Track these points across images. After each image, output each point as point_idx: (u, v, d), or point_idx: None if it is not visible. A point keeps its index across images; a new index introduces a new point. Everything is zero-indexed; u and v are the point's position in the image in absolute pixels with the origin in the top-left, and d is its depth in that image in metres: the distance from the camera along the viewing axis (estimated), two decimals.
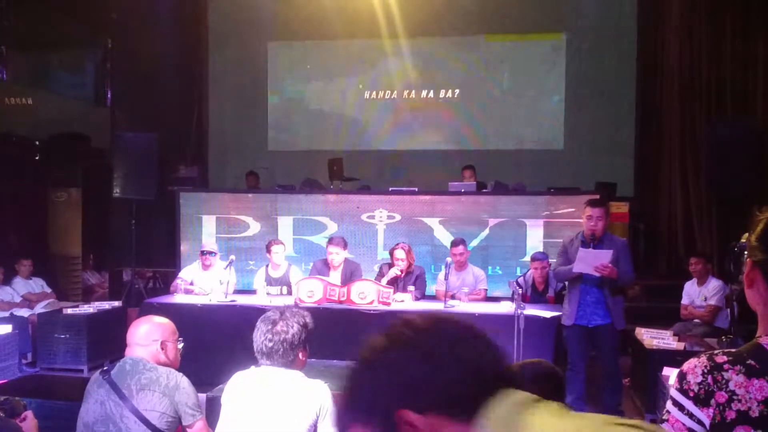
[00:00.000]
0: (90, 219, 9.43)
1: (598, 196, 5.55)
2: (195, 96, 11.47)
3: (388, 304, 5.98)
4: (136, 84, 10.42)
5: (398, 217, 7.79)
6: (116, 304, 7.30)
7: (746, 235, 1.39)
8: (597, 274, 4.94)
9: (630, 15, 10.25)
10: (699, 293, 6.65)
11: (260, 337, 2.60)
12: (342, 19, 10.90)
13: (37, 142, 9.14)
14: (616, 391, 5.15)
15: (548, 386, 2.32)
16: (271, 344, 2.57)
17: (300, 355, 2.64)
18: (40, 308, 7.29)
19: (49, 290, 7.82)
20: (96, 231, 9.60)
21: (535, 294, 6.40)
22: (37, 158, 9.09)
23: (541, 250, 6.97)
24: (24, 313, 7.12)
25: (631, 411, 5.62)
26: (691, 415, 1.33)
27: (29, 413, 2.82)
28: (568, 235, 5.76)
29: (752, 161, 7.68)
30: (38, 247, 8.85)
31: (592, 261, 4.94)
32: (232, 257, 6.63)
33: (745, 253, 1.38)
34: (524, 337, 4.96)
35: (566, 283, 5.36)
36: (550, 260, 6.45)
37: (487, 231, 7.60)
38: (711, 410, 1.30)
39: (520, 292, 5.40)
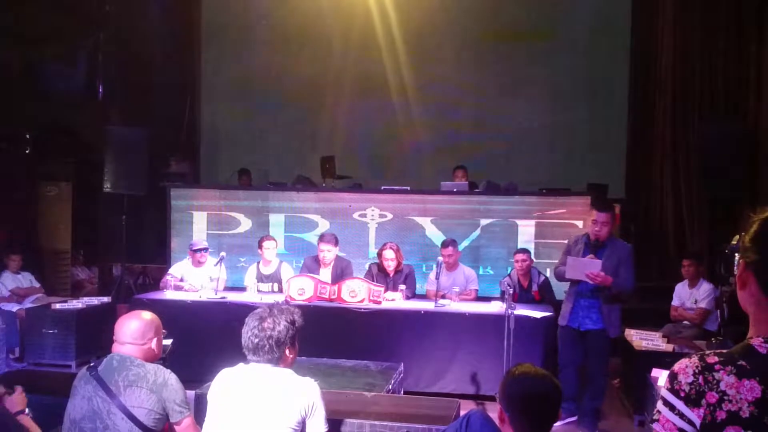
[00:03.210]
0: (80, 214, 9.37)
1: (603, 199, 5.45)
2: (187, 90, 11.40)
3: (379, 302, 5.97)
4: (127, 78, 10.36)
5: (390, 216, 7.78)
6: (105, 299, 7.25)
7: (737, 236, 1.39)
8: (590, 282, 4.89)
9: (623, 16, 10.26)
10: (690, 295, 6.65)
11: (247, 332, 2.61)
12: (337, 17, 10.89)
13: (28, 136, 9.07)
14: (596, 397, 5.10)
15: (539, 409, 2.20)
16: (257, 340, 2.57)
17: (287, 352, 2.63)
18: (28, 303, 7.23)
19: (37, 285, 7.76)
20: (86, 226, 9.54)
21: (522, 291, 6.41)
22: (27, 152, 9.02)
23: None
24: (12, 307, 7.06)
25: (620, 412, 5.64)
26: (681, 416, 1.32)
27: (20, 387, 2.88)
28: (574, 235, 5.68)
29: (744, 161, 7.70)
30: (27, 241, 8.77)
31: (581, 269, 4.90)
32: (223, 254, 6.60)
33: (737, 254, 1.38)
34: (514, 338, 4.97)
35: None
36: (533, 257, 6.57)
37: (478, 231, 7.60)
38: (702, 410, 1.30)
39: (511, 292, 5.40)
